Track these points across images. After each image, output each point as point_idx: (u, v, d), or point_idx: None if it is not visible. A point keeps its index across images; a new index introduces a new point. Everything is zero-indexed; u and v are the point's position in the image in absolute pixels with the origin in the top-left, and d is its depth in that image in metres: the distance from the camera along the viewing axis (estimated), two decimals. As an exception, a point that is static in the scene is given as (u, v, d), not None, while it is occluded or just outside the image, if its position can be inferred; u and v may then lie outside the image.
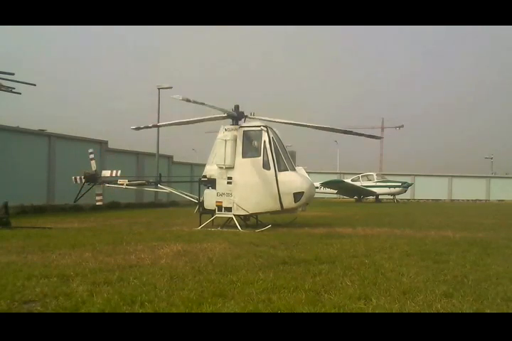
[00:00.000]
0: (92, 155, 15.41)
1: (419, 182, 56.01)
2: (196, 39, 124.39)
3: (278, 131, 13.63)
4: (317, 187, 32.99)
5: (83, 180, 14.82)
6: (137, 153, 30.53)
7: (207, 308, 4.20)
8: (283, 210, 12.98)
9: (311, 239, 9.66)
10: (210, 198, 12.95)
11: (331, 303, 4.39)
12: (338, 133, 16.18)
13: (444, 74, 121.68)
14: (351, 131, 14.62)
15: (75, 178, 14.99)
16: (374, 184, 43.62)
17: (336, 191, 45.50)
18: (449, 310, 4.22)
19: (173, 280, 5.39)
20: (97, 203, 15.49)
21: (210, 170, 13.19)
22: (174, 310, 4.13)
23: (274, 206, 12.71)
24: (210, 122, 14.16)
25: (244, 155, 12.83)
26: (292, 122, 13.93)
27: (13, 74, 15.21)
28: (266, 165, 12.73)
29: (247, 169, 12.68)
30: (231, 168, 12.66)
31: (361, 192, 43.94)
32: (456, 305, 4.39)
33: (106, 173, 14.92)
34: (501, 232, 12.01)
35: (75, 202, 15.75)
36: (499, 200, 56.26)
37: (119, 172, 14.78)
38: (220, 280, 5.38)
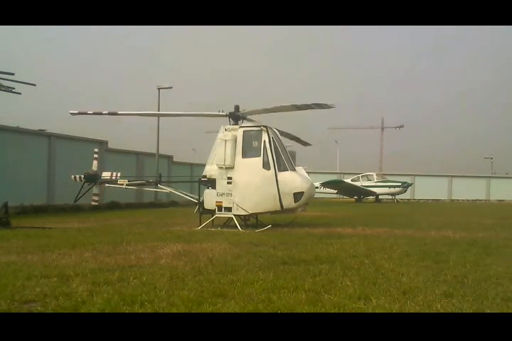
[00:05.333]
0: (96, 155, 15.34)
1: (419, 182, 55.95)
2: (196, 39, 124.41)
3: (278, 131, 13.64)
4: (317, 187, 32.99)
5: (83, 180, 14.79)
6: (137, 153, 30.54)
7: (207, 308, 4.20)
8: (283, 210, 12.98)
9: (311, 239, 9.65)
10: (210, 198, 12.95)
11: (331, 303, 4.39)
12: (336, 131, 16.15)
13: (444, 74, 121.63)
14: (302, 105, 13.04)
15: (75, 177, 14.98)
16: (374, 184, 43.61)
17: (336, 191, 45.49)
18: (449, 310, 4.22)
19: (173, 280, 5.39)
20: (93, 203, 15.43)
21: (210, 170, 13.19)
22: (174, 310, 4.13)
23: (274, 206, 12.71)
24: (210, 122, 14.21)
25: (244, 155, 12.82)
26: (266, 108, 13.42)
27: (13, 74, 15.23)
28: (266, 165, 12.73)
29: (247, 169, 12.67)
30: (231, 168, 12.65)
31: (361, 192, 43.92)
32: (456, 305, 4.39)
33: (106, 175, 14.89)
34: (501, 232, 12.00)
35: (75, 202, 15.73)
36: (499, 200, 56.21)
37: (119, 174, 14.76)
38: (220, 280, 5.38)
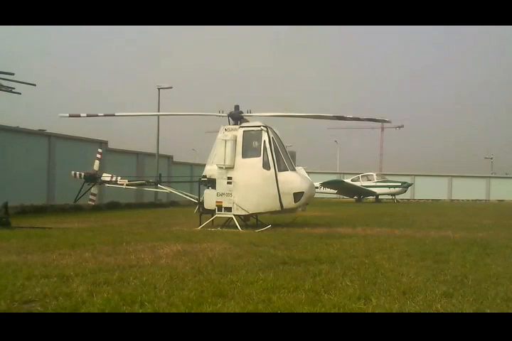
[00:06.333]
0: (99, 155, 15.33)
1: (419, 182, 55.98)
2: (196, 39, 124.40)
3: (278, 131, 13.64)
4: (317, 187, 32.99)
5: (83, 179, 14.78)
6: (137, 153, 30.52)
7: (207, 308, 4.20)
8: (283, 210, 12.99)
9: (311, 239, 9.65)
10: (210, 198, 12.95)
11: (331, 303, 4.39)
12: (339, 130, 16.23)
13: (444, 74, 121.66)
14: (344, 117, 13.79)
15: (75, 174, 14.95)
16: (374, 184, 43.60)
17: (336, 191, 45.49)
18: (449, 310, 4.22)
19: (173, 280, 5.39)
20: (89, 202, 15.34)
21: (210, 170, 13.20)
22: (174, 310, 4.13)
23: (274, 206, 12.71)
24: (210, 122, 14.22)
25: (244, 155, 12.83)
26: (283, 114, 13.94)
27: (13, 74, 15.24)
28: (266, 165, 12.73)
29: (247, 169, 12.67)
30: (231, 168, 12.66)
31: (361, 192, 43.92)
32: (456, 305, 4.39)
33: (106, 177, 14.89)
34: (501, 232, 12.00)
35: (74, 202, 15.73)
36: (499, 200, 56.21)
37: (119, 178, 14.78)
38: (220, 280, 5.38)
